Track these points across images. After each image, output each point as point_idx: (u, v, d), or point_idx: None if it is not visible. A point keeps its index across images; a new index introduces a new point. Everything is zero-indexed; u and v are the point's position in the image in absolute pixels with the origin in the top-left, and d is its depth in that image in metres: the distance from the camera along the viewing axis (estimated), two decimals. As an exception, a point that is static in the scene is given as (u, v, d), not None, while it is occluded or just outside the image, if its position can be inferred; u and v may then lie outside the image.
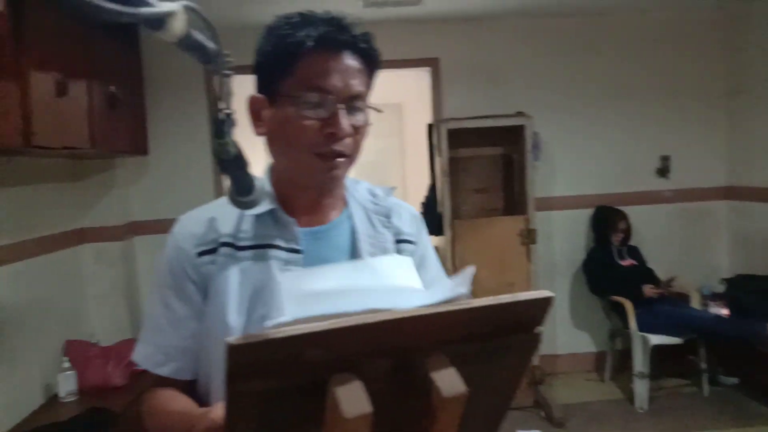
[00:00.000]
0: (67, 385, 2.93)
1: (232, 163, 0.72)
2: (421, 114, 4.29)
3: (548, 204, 4.16)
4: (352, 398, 0.61)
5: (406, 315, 0.64)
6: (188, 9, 0.51)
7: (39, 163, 3.03)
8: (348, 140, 0.95)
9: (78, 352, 3.10)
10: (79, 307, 3.44)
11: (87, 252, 3.54)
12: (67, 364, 2.96)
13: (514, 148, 4.01)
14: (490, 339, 0.71)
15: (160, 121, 3.86)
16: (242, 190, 0.78)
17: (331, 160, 0.95)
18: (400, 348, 0.66)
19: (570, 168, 4.24)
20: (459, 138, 3.84)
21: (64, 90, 2.53)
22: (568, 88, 4.19)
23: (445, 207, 3.76)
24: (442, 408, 0.66)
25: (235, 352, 0.57)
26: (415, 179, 5.34)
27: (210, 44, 0.58)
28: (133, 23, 0.48)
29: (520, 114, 3.88)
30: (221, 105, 0.66)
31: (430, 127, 4.01)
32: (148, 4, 0.46)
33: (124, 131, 3.38)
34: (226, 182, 0.83)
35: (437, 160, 3.88)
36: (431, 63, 4.08)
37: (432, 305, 0.67)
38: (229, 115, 0.68)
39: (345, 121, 0.93)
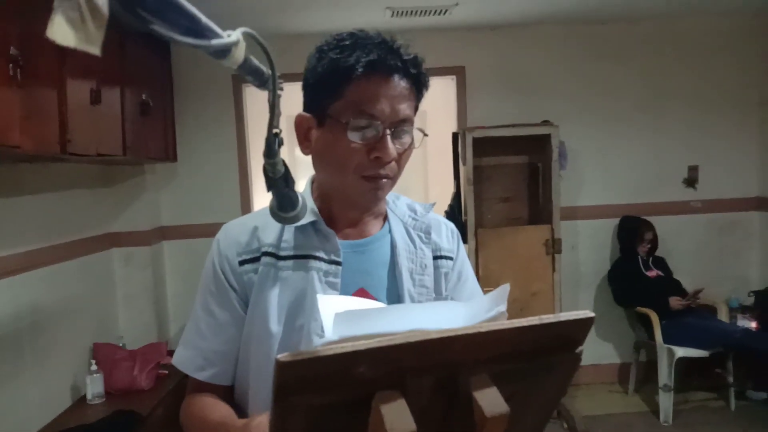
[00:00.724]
0: (94, 387, 2.97)
1: (279, 181, 0.73)
2: (444, 122, 4.29)
3: (573, 213, 4.14)
4: (397, 416, 0.62)
5: (451, 334, 0.65)
6: (246, 35, 0.53)
7: (72, 168, 3.10)
8: (393, 163, 0.97)
9: (105, 354, 3.15)
10: (107, 310, 3.50)
11: (117, 256, 3.61)
12: (94, 367, 3.00)
13: (539, 156, 4.00)
14: (532, 358, 0.72)
15: (188, 128, 3.93)
16: (285, 206, 0.80)
17: (375, 182, 0.97)
18: (445, 365, 0.67)
19: (596, 177, 4.21)
20: (483, 146, 3.84)
21: (98, 98, 2.58)
22: (595, 96, 4.16)
23: (469, 216, 3.76)
24: (485, 427, 0.66)
25: (284, 368, 0.59)
26: (437, 187, 5.34)
27: (264, 67, 0.60)
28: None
29: (546, 123, 3.87)
30: (272, 125, 0.68)
31: (455, 135, 4.01)
32: (218, 36, 0.48)
33: (154, 138, 3.44)
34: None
35: (461, 169, 3.88)
36: (457, 71, 4.09)
37: (475, 324, 0.68)
38: (277, 135, 0.70)
39: (391, 146, 0.94)
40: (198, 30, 0.45)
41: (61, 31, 0.34)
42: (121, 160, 3.11)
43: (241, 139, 4.03)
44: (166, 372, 3.26)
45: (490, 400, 0.66)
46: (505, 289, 0.72)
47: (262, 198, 4.49)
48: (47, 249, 2.84)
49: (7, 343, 2.48)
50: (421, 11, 3.56)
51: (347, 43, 0.94)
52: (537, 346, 0.71)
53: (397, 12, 3.53)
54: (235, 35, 0.50)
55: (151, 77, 3.45)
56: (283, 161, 0.74)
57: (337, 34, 0.96)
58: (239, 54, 0.52)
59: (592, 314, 0.73)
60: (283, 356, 0.59)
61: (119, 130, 2.87)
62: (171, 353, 3.41)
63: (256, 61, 0.59)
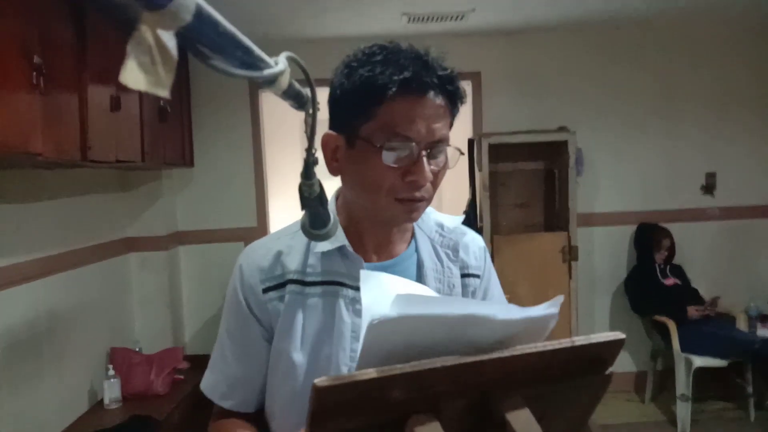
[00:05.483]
0: (111, 391, 2.99)
1: (314, 201, 0.73)
2: (459, 127, 4.28)
3: (589, 220, 4.11)
4: (432, 439, 0.62)
5: (485, 357, 0.65)
6: (290, 59, 0.53)
7: (89, 173, 3.12)
8: (428, 185, 0.92)
9: (122, 359, 3.17)
10: (124, 314, 3.52)
11: (133, 261, 3.63)
12: (112, 372, 3.02)
13: (555, 162, 3.98)
14: (563, 379, 0.71)
15: (205, 133, 3.94)
16: (317, 224, 0.80)
17: (410, 204, 0.92)
18: (478, 387, 0.67)
19: (612, 183, 4.18)
20: (499, 152, 3.83)
21: (118, 104, 2.60)
22: (611, 101, 4.14)
23: (485, 222, 3.75)
24: (518, 449, 0.66)
25: (321, 393, 0.59)
26: (450, 193, 5.33)
27: (304, 90, 0.60)
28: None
29: (562, 129, 3.85)
30: (310, 147, 0.67)
31: (471, 141, 4.00)
32: (268, 66, 0.49)
33: (172, 144, 3.45)
34: (301, 215, 0.83)
35: (477, 175, 3.87)
36: (473, 77, 4.08)
37: (508, 348, 0.67)
38: (315, 155, 0.69)
39: (427, 169, 0.89)
40: (251, 62, 0.46)
41: (132, 76, 0.34)
42: (139, 165, 3.13)
43: (257, 145, 4.05)
44: (182, 377, 3.27)
45: (524, 423, 0.66)
46: (559, 299, 0.71)
47: (277, 202, 4.50)
48: (65, 254, 2.86)
49: (26, 348, 2.50)
50: (438, 17, 3.55)
51: (378, 58, 0.88)
52: (568, 367, 0.71)
53: (414, 18, 3.52)
54: (281, 63, 0.50)
55: (168, 83, 3.47)
56: (319, 182, 0.74)
57: (366, 48, 0.90)
58: (285, 80, 0.52)
59: (623, 336, 0.73)
60: (320, 380, 0.59)
61: (138, 136, 2.89)
62: (187, 358, 3.43)
63: (297, 85, 0.59)
